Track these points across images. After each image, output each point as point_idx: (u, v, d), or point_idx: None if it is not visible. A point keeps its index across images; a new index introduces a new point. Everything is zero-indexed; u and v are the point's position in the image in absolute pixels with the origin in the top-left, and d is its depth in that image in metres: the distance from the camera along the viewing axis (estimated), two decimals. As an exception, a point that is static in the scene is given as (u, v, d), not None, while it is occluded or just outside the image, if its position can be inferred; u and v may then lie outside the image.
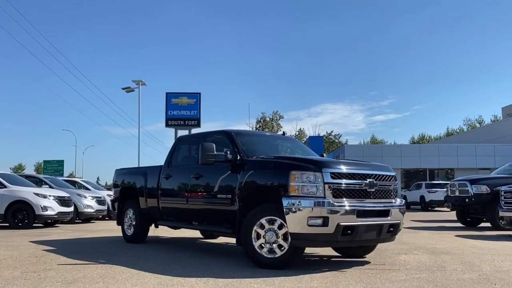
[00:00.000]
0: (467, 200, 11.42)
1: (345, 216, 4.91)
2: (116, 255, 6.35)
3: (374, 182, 5.27)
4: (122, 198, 8.35)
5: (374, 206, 5.24)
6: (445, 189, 21.28)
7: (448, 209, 15.64)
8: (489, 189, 11.22)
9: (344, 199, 5.01)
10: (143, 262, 5.74)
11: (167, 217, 7.27)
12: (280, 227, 5.12)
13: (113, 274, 4.90)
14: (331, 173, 5.00)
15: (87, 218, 14.36)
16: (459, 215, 12.49)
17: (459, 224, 12.48)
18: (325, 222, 4.82)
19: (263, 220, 5.19)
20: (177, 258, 6.11)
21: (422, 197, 24.03)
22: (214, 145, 5.89)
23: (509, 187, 9.77)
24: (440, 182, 25.61)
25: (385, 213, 5.33)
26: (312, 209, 4.83)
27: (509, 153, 31.25)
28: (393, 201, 5.57)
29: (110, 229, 11.03)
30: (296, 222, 4.86)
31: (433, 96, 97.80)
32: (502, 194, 9.69)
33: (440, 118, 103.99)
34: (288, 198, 4.94)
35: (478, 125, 61.96)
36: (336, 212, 4.86)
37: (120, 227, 8.38)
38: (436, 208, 24.07)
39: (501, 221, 10.48)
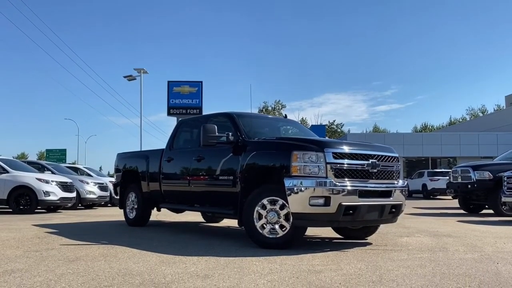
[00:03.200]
0: (469, 186, 11.39)
1: (347, 196, 4.89)
2: (118, 237, 6.37)
3: (377, 162, 5.25)
4: (124, 182, 8.36)
5: (376, 187, 5.22)
6: (447, 177, 21.38)
7: (450, 197, 15.64)
8: (491, 175, 11.18)
9: (346, 179, 4.99)
10: (145, 242, 5.75)
11: (169, 200, 7.28)
12: (282, 207, 5.11)
13: (115, 253, 4.91)
14: (333, 153, 4.97)
15: (89, 204, 14.41)
16: (461, 202, 12.47)
17: (461, 211, 12.47)
18: (327, 202, 4.80)
19: (264, 201, 5.18)
20: (179, 239, 6.13)
21: (424, 186, 24.02)
22: (216, 127, 5.86)
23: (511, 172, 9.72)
24: (442, 170, 25.58)
25: (387, 194, 5.31)
26: (314, 189, 4.81)
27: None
28: (396, 182, 5.55)
29: (112, 214, 11.07)
30: (298, 202, 4.84)
31: (436, 86, 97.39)
32: (505, 179, 9.66)
33: (443, 108, 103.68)
34: (290, 179, 4.92)
35: (481, 114, 61.73)
36: (338, 192, 4.84)
37: (122, 211, 8.41)
38: (438, 196, 24.07)
39: (503, 207, 10.47)
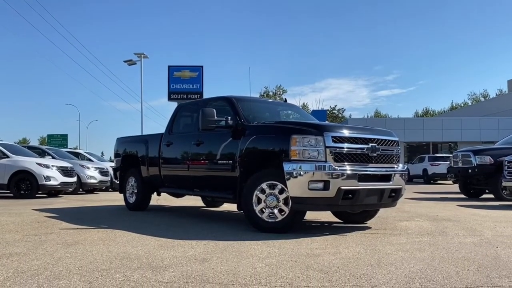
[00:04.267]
0: (470, 171, 11.36)
1: (346, 180, 4.86)
2: (118, 221, 6.38)
3: (376, 146, 5.21)
4: (124, 167, 8.34)
5: (376, 171, 5.19)
6: (448, 162, 21.36)
7: (451, 182, 15.64)
8: (492, 160, 11.14)
9: (346, 163, 4.96)
10: (144, 227, 5.75)
11: (168, 185, 7.27)
12: (281, 191, 5.09)
13: (114, 237, 4.91)
14: (332, 137, 4.93)
15: (90, 189, 14.43)
16: (461, 186, 12.45)
17: (462, 195, 12.46)
18: (326, 186, 4.78)
19: (264, 185, 5.16)
20: (179, 223, 6.13)
21: (424, 170, 24.02)
22: (215, 111, 5.81)
23: (513, 156, 9.67)
24: (443, 155, 25.57)
25: (387, 178, 5.28)
26: (313, 173, 4.79)
27: (514, 126, 31.04)
28: (395, 166, 5.51)
29: (113, 199, 11.09)
30: (297, 186, 4.82)
31: (438, 71, 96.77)
32: (506, 164, 9.62)
33: (445, 92, 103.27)
34: (289, 163, 4.89)
35: (482, 99, 61.41)
36: (337, 176, 4.81)
37: (122, 196, 8.41)
38: (438, 181, 24.09)
39: (504, 191, 10.44)
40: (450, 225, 5.95)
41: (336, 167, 4.84)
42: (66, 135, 45.27)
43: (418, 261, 3.67)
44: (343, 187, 4.82)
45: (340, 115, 53.83)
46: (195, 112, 6.85)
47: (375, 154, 5.19)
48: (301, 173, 4.81)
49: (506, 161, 9.64)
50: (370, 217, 6.07)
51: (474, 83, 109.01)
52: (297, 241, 4.62)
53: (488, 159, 11.20)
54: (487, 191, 11.93)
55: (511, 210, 8.28)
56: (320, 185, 4.79)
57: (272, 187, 5.14)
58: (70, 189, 12.65)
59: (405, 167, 5.70)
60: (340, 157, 4.94)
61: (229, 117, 5.87)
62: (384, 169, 5.28)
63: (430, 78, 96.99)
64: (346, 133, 5.07)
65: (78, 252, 4.06)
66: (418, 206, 9.08)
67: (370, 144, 5.15)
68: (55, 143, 42.89)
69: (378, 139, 5.28)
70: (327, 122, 6.66)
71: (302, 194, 4.82)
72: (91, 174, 13.90)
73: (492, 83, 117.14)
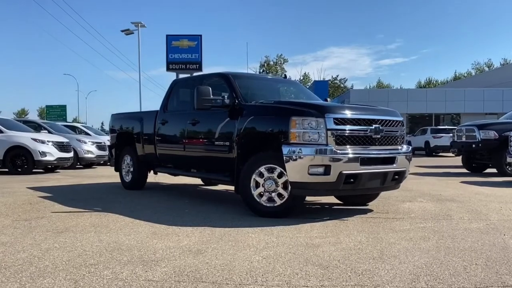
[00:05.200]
0: (474, 145, 11.13)
1: (348, 164, 4.65)
2: (112, 203, 6.21)
3: (380, 128, 4.96)
4: (119, 144, 8.12)
5: (379, 153, 4.97)
6: (451, 135, 21.10)
7: (453, 155, 15.41)
8: (497, 135, 10.89)
9: (348, 146, 4.73)
10: (139, 210, 5.58)
11: (164, 164, 7.07)
12: (280, 175, 4.88)
13: (107, 222, 4.74)
14: (334, 118, 4.67)
15: (88, 164, 14.26)
16: (464, 161, 12.26)
17: (464, 170, 12.29)
18: (327, 170, 4.56)
19: (262, 169, 4.95)
20: (175, 206, 5.96)
21: (427, 143, 23.79)
22: (210, 89, 5.53)
23: (518, 132, 9.43)
24: (446, 127, 25.26)
25: (390, 161, 5.06)
26: (314, 157, 4.56)
27: (518, 98, 30.59)
28: (399, 147, 5.28)
29: (110, 175, 10.90)
30: (296, 171, 4.60)
31: (442, 39, 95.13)
32: (511, 139, 9.38)
33: (448, 62, 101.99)
34: (288, 146, 4.66)
35: (487, 68, 60.52)
36: (339, 160, 4.59)
37: (118, 173, 8.23)
38: (440, 154, 23.90)
39: (508, 167, 10.26)
40: (454, 207, 5.77)
41: (338, 151, 4.61)
42: (64, 106, 44.83)
43: (423, 253, 3.49)
44: (344, 172, 4.60)
45: (342, 85, 53.15)
46: (190, 89, 6.57)
47: (378, 136, 4.95)
48: (301, 157, 4.58)
49: (511, 137, 9.40)
50: (372, 199, 5.90)
51: (478, 52, 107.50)
52: (296, 227, 4.45)
53: (492, 134, 10.96)
54: (490, 165, 11.73)
55: (516, 188, 8.09)
56: (321, 169, 4.57)
57: (270, 170, 4.93)
58: (67, 165, 12.49)
59: (410, 148, 5.47)
60: (342, 140, 4.70)
61: (225, 96, 5.60)
62: (387, 151, 5.05)
63: (433, 47, 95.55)
64: (348, 114, 4.81)
65: (67, 241, 3.89)
66: (421, 183, 8.90)
67: (374, 126, 4.90)
68: (54, 114, 42.60)
69: (382, 120, 5.03)
70: (329, 97, 6.37)
71: (301, 179, 4.61)
72: (88, 148, 13.70)
73: (496, 53, 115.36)
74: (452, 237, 4.05)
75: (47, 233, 4.23)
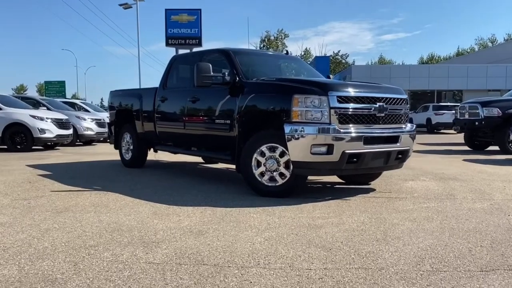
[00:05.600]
0: (477, 123, 11.02)
1: (351, 143, 4.56)
2: (112, 181, 6.16)
3: (384, 106, 4.85)
4: (118, 121, 8.03)
5: (383, 132, 4.87)
6: (453, 112, 20.94)
7: (455, 132, 15.35)
8: (500, 112, 10.76)
9: (351, 125, 4.63)
10: (139, 189, 5.53)
11: (164, 142, 6.99)
12: (282, 154, 4.81)
13: (107, 202, 4.69)
14: (337, 96, 4.56)
15: (87, 141, 14.19)
16: (467, 139, 12.16)
17: (466, 148, 12.21)
18: (330, 150, 4.48)
19: (263, 148, 4.87)
20: (175, 184, 5.90)
21: (428, 120, 23.64)
22: (211, 66, 5.40)
23: (523, 110, 9.31)
24: (448, 104, 25.07)
25: (394, 140, 4.97)
26: (316, 136, 4.47)
27: (521, 74, 30.27)
28: (403, 126, 5.19)
29: (110, 152, 10.84)
30: (298, 150, 4.52)
31: (445, 14, 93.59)
32: (515, 117, 9.27)
33: (451, 37, 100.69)
34: (291, 124, 4.56)
35: (490, 44, 59.73)
36: (342, 139, 4.50)
37: (118, 151, 8.17)
38: (442, 131, 23.79)
39: (510, 145, 10.18)
40: (458, 186, 5.72)
41: (341, 130, 4.52)
42: (63, 82, 44.44)
43: (427, 234, 3.44)
44: (347, 151, 4.52)
45: (343, 61, 52.58)
46: (190, 65, 6.43)
47: (382, 114, 4.85)
48: (303, 135, 4.49)
49: (516, 115, 9.28)
50: (375, 178, 5.84)
51: (482, 28, 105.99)
52: (299, 207, 4.40)
53: (496, 111, 10.82)
54: (492, 143, 11.65)
55: (519, 166, 8.03)
56: (323, 149, 4.49)
57: (272, 149, 4.85)
58: (66, 142, 12.41)
59: (414, 127, 5.37)
60: (345, 119, 4.60)
61: (226, 73, 5.47)
62: (391, 130, 4.95)
63: (436, 21, 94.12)
64: (352, 92, 4.69)
65: (67, 221, 3.84)
66: (423, 161, 8.84)
67: (378, 104, 4.79)
68: (53, 90, 42.30)
69: (386, 98, 4.91)
70: (331, 79, 6.21)
71: (304, 158, 4.54)
72: (88, 125, 13.60)
73: (500, 28, 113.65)
74: (456, 218, 4.00)
75: (46, 213, 4.18)
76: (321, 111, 4.51)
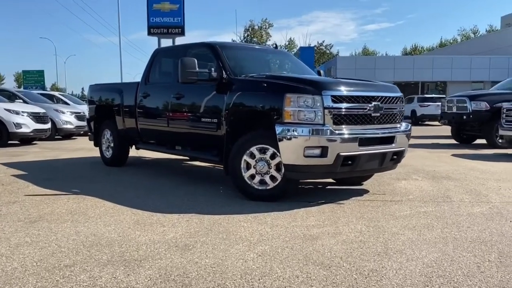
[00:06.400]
0: (465, 117, 10.93)
1: (346, 145, 4.32)
2: (92, 183, 5.81)
3: (380, 105, 4.61)
4: (98, 117, 7.64)
5: (378, 133, 4.64)
6: (437, 103, 20.96)
7: (440, 124, 15.28)
8: (488, 106, 10.69)
9: (346, 125, 4.38)
10: (120, 191, 5.21)
11: (147, 140, 6.64)
12: (273, 156, 4.54)
13: (85, 208, 4.37)
14: (332, 96, 4.30)
15: (67, 135, 13.67)
16: (454, 132, 12.09)
17: (453, 141, 12.15)
18: (324, 152, 4.23)
19: (253, 149, 4.59)
20: (159, 185, 5.59)
21: (413, 111, 23.61)
22: (196, 61, 5.07)
23: (511, 104, 9.22)
24: (433, 96, 25.10)
25: (389, 140, 4.75)
26: (309, 138, 4.21)
27: (505, 66, 30.49)
28: (399, 125, 4.97)
29: (90, 147, 10.37)
30: (291, 153, 4.26)
31: (428, 4, 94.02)
32: (504, 111, 9.17)
33: (434, 27, 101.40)
34: (282, 125, 4.29)
35: (472, 35, 60.23)
36: (336, 141, 4.25)
37: (98, 148, 7.79)
38: (427, 122, 23.83)
39: (499, 139, 10.10)
40: (452, 186, 5.54)
41: (335, 131, 4.27)
42: (42, 71, 43.30)
43: (430, 246, 3.23)
44: (342, 153, 4.28)
45: (327, 51, 52.38)
46: (174, 59, 6.08)
47: (378, 114, 4.61)
48: (296, 137, 4.23)
49: (505, 109, 9.19)
50: (367, 178, 5.63)
51: (464, 18, 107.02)
52: (291, 214, 4.15)
53: (484, 105, 10.75)
54: (479, 137, 11.58)
55: (508, 162, 7.95)
56: (317, 151, 4.23)
57: (262, 151, 4.58)
58: (45, 136, 11.91)
59: (409, 126, 5.16)
60: (339, 119, 4.35)
61: (212, 69, 5.15)
62: (387, 130, 4.73)
63: (419, 11, 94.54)
64: (347, 90, 4.44)
65: (40, 234, 3.52)
66: (412, 156, 8.67)
67: (373, 103, 4.55)
68: (31, 79, 41.16)
69: (382, 97, 4.67)
70: (322, 73, 5.97)
71: (296, 161, 4.28)
72: (67, 119, 13.08)
73: (482, 18, 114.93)
74: (457, 225, 3.80)
75: (18, 223, 3.85)
76: (315, 111, 4.25)
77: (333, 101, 4.29)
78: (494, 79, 30.35)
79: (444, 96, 24.57)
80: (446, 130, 14.23)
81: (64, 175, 6.45)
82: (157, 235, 3.50)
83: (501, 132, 9.33)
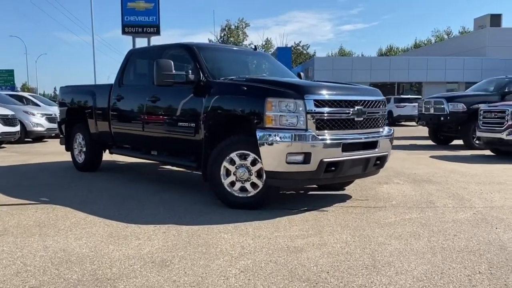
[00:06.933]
0: (442, 118, 11.01)
1: (329, 150, 4.18)
2: (63, 190, 5.52)
3: (363, 109, 4.50)
4: (70, 120, 7.31)
5: (361, 138, 4.52)
6: (414, 104, 21.19)
7: (416, 124, 15.42)
8: (465, 107, 10.81)
9: (329, 130, 4.24)
10: (93, 199, 4.94)
11: (121, 144, 6.37)
12: (253, 163, 4.37)
13: (55, 219, 4.10)
14: (314, 100, 4.16)
15: (37, 137, 13.16)
16: (431, 133, 12.18)
17: (430, 142, 12.24)
18: (307, 158, 4.08)
19: (233, 155, 4.40)
20: (134, 192, 5.34)
21: (390, 112, 23.74)
22: (172, 63, 4.85)
23: (489, 106, 9.31)
24: (409, 96, 25.37)
25: (372, 145, 4.64)
26: (292, 143, 4.06)
27: (478, 67, 31.12)
28: (381, 130, 4.87)
29: (61, 151, 9.96)
30: (272, 159, 4.10)
31: (403, 6, 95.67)
32: (481, 113, 9.25)
33: (408, 28, 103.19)
34: (263, 130, 4.12)
35: (446, 36, 61.46)
36: (319, 146, 4.11)
37: (70, 152, 7.46)
38: (403, 123, 24.07)
39: (476, 140, 10.21)
40: (434, 190, 5.49)
41: (318, 136, 4.12)
42: (12, 71, 41.99)
43: (418, 257, 3.11)
44: (325, 159, 4.14)
45: (304, 52, 52.54)
46: (149, 60, 5.84)
47: (361, 119, 4.49)
48: (278, 144, 4.07)
49: (482, 111, 9.27)
50: (349, 183, 5.52)
51: (438, 20, 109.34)
52: (273, 223, 3.98)
53: (461, 107, 10.86)
54: (457, 138, 11.69)
55: (486, 164, 8.00)
56: (300, 157, 4.08)
57: (243, 157, 4.40)
58: (13, 139, 11.42)
59: (392, 131, 5.07)
60: (322, 124, 4.21)
61: (190, 71, 4.95)
62: (370, 135, 4.62)
63: (394, 13, 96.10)
64: (330, 94, 4.30)
65: (5, 250, 3.25)
66: (391, 158, 8.42)
67: (356, 107, 4.43)
68: (0, 79, 39.83)
69: (365, 101, 4.56)
70: (305, 79, 5.83)
71: (278, 168, 4.12)
72: (37, 121, 12.58)
73: (455, 20, 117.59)
74: (444, 233, 3.71)
75: (-20, 237, 3.56)
76: (297, 116, 4.10)
77: (316, 106, 4.15)
78: (468, 80, 31.01)
79: (420, 97, 24.90)
80: (423, 130, 14.36)
81: (33, 182, 6.12)
82: (132, 249, 3.28)
83: (478, 133, 9.41)
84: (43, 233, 3.68)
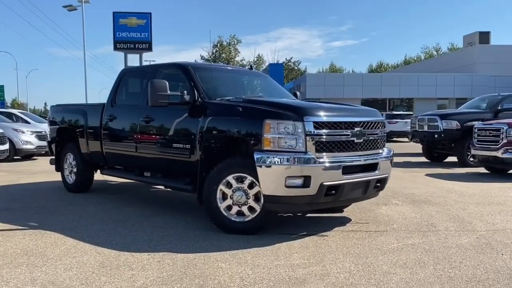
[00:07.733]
0: (436, 135, 10.98)
1: (329, 173, 4.06)
2: (52, 214, 5.33)
3: (363, 131, 4.40)
4: (60, 140, 7.13)
5: (361, 160, 4.42)
6: (405, 120, 21.25)
7: (409, 141, 15.39)
8: (459, 125, 10.79)
9: (328, 153, 4.13)
10: (83, 225, 4.75)
11: (113, 165, 6.20)
12: (251, 186, 4.23)
13: (44, 247, 3.91)
14: (314, 122, 4.05)
15: (27, 155, 12.90)
16: (425, 151, 12.15)
17: (424, 159, 12.20)
18: (307, 182, 3.96)
19: (230, 178, 4.27)
20: (126, 217, 5.16)
21: (382, 128, 23.83)
22: (167, 83, 4.74)
23: (483, 124, 9.30)
24: (401, 112, 25.48)
25: (373, 167, 4.53)
26: (291, 166, 3.94)
27: (468, 83, 31.46)
28: (381, 151, 4.77)
29: (51, 170, 9.74)
30: (271, 183, 3.97)
31: (392, 22, 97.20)
32: (476, 131, 9.23)
33: (398, 45, 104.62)
34: (261, 153, 4.00)
35: (435, 53, 62.30)
36: (319, 169, 3.99)
37: (59, 172, 7.25)
38: (395, 139, 24.10)
39: (470, 158, 10.17)
40: (434, 212, 5.38)
41: (318, 159, 4.01)
42: (2, 86, 41.43)
43: (426, 288, 2.98)
44: (326, 183, 4.02)
45: (296, 68, 52.85)
46: (143, 79, 5.72)
47: (361, 140, 4.39)
48: (276, 166, 3.94)
49: (476, 129, 9.25)
50: (348, 205, 5.39)
51: (426, 36, 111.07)
52: (273, 250, 3.83)
53: (455, 124, 10.84)
54: (450, 155, 11.66)
55: (483, 183, 7.93)
56: (299, 181, 3.96)
57: (240, 180, 4.26)
58: (2, 157, 11.16)
59: (391, 152, 4.97)
60: (322, 146, 4.10)
61: (185, 91, 4.83)
62: (370, 157, 4.51)
63: (383, 29, 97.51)
64: (329, 116, 4.20)
65: (-11, 283, 3.06)
66: (388, 178, 8.55)
67: (356, 129, 4.33)
68: (-10, 95, 39.35)
69: (364, 122, 4.46)
70: (301, 99, 5.76)
71: (276, 192, 3.98)
72: (27, 139, 12.32)
73: (444, 37, 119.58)
74: (449, 260, 3.58)
75: (-37, 269, 3.36)
76: (296, 138, 3.99)
77: (315, 127, 4.05)
78: (459, 96, 31.32)
79: (411, 113, 25.02)
80: (415, 147, 14.33)
81: (22, 205, 5.91)
82: (125, 281, 3.11)
83: (473, 151, 9.37)
84: (30, 263, 3.49)
